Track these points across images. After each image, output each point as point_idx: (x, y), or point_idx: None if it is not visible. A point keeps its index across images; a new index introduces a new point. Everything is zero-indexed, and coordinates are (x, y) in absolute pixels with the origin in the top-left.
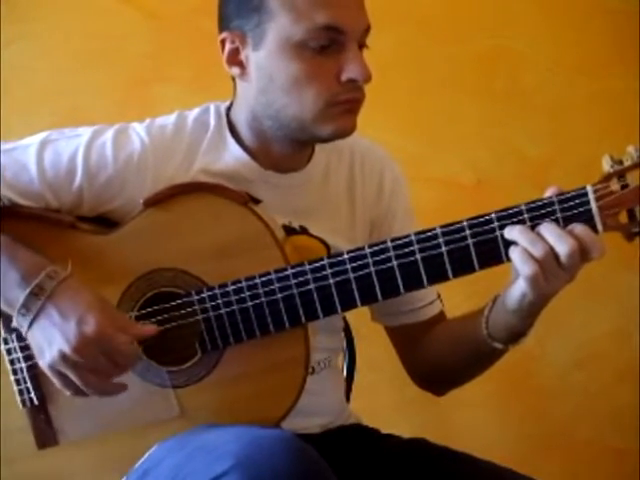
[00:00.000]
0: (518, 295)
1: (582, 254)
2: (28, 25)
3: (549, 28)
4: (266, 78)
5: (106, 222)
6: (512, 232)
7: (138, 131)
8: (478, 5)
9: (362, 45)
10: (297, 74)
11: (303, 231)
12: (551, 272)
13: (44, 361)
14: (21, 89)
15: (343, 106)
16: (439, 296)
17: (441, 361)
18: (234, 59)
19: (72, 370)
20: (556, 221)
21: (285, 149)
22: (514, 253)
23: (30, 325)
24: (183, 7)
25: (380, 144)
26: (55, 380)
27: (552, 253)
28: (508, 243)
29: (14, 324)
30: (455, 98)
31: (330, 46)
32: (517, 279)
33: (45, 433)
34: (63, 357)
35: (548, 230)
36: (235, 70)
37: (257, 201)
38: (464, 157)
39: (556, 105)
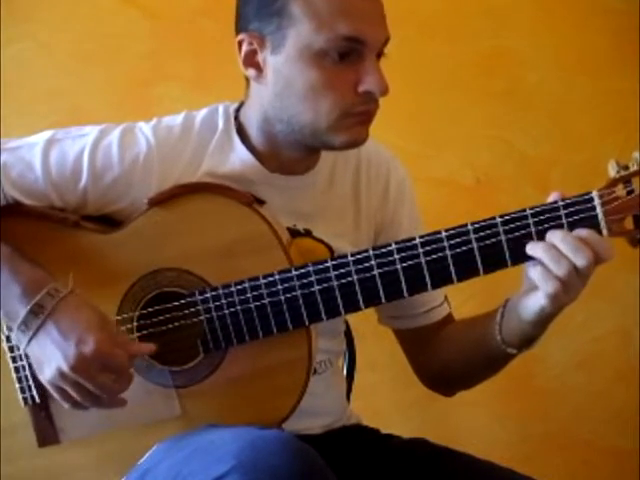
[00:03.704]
0: (537, 309)
1: (595, 261)
2: (28, 25)
3: (549, 28)
4: (283, 83)
5: (111, 221)
6: (535, 250)
7: (145, 131)
8: (478, 5)
9: (380, 55)
10: (315, 82)
11: (307, 234)
12: (571, 285)
13: (43, 376)
14: (21, 89)
15: (358, 117)
16: (446, 298)
17: (451, 364)
18: (251, 61)
19: (71, 387)
20: (561, 226)
21: (294, 153)
22: (535, 272)
23: (29, 342)
24: (183, 7)
25: (380, 143)
26: (54, 394)
27: (574, 269)
28: (513, 247)
29: (13, 339)
30: (455, 98)
31: (349, 56)
32: (532, 291)
33: (46, 431)
34: (62, 375)
35: (564, 243)
36: (251, 72)
37: (261, 202)
38: (464, 157)
39: (556, 105)
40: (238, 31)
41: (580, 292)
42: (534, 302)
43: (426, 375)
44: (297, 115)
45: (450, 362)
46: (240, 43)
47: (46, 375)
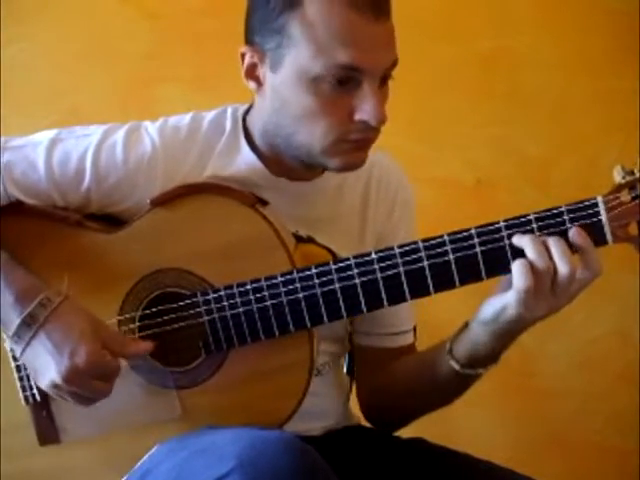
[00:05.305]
0: (498, 306)
1: (584, 263)
2: (28, 25)
3: (549, 28)
4: (280, 102)
5: (113, 220)
6: (522, 239)
7: (150, 131)
8: (478, 5)
9: (386, 78)
10: (310, 107)
11: (310, 240)
12: (542, 292)
13: (40, 384)
14: (21, 89)
15: (353, 144)
16: (415, 329)
17: (398, 391)
18: (252, 74)
19: (67, 395)
20: (565, 232)
21: (296, 164)
22: (516, 263)
23: (23, 351)
24: (183, 7)
25: (381, 144)
26: (53, 396)
27: (553, 270)
28: (516, 252)
29: (9, 347)
30: (455, 98)
31: (348, 83)
32: (502, 292)
33: (47, 430)
34: (56, 386)
35: (556, 246)
36: (252, 84)
37: (264, 202)
38: (464, 157)
39: (556, 105)
40: (245, 42)
41: (546, 312)
42: (500, 300)
43: (369, 401)
44: (293, 135)
45: (398, 390)
46: (243, 55)
47: (42, 384)
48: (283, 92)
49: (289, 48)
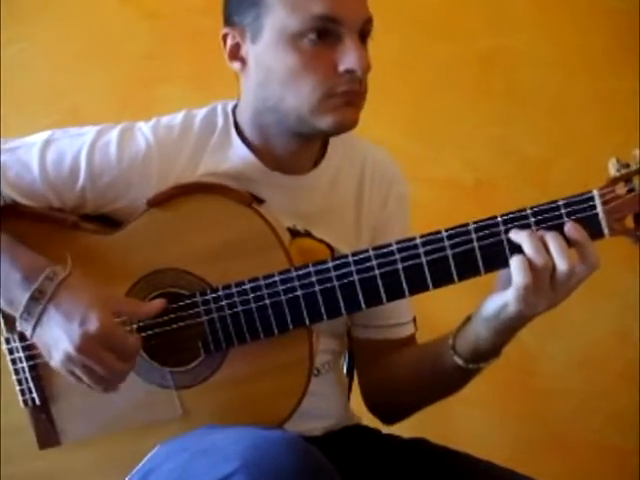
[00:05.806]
0: (500, 303)
1: (581, 257)
2: (28, 25)
3: (548, 27)
4: (264, 71)
5: (110, 221)
6: (519, 235)
7: (144, 131)
8: (478, 5)
9: (366, 35)
10: (293, 65)
11: (307, 234)
12: (541, 288)
13: (54, 362)
14: (21, 89)
15: (341, 98)
16: (414, 320)
17: (400, 385)
18: (235, 54)
19: (80, 368)
20: (562, 225)
21: (288, 145)
22: (514, 260)
23: (34, 329)
24: (183, 7)
25: (380, 144)
26: (69, 377)
27: (551, 266)
28: (514, 246)
29: (18, 328)
30: (455, 98)
31: (328, 37)
32: (502, 289)
33: (47, 433)
34: (69, 357)
35: (554, 242)
36: (236, 65)
37: (261, 201)
38: (464, 157)
39: (556, 105)
40: (225, 26)
41: (546, 306)
42: (500, 297)
43: (372, 395)
44: (280, 102)
45: (399, 382)
46: (224, 37)
47: (55, 360)
48: (266, 59)
49: (267, 16)
